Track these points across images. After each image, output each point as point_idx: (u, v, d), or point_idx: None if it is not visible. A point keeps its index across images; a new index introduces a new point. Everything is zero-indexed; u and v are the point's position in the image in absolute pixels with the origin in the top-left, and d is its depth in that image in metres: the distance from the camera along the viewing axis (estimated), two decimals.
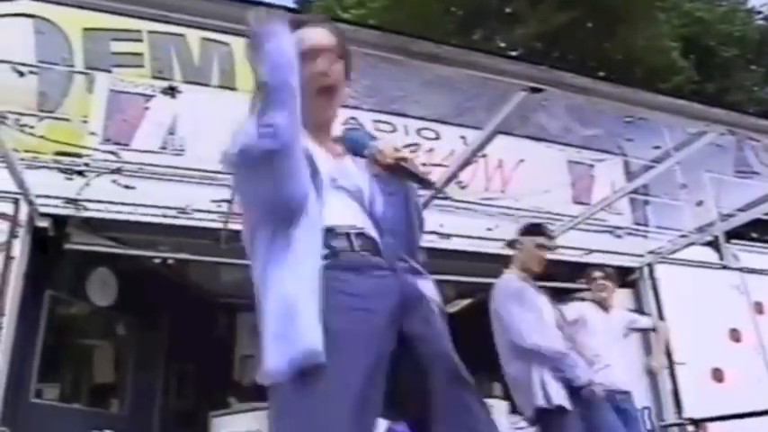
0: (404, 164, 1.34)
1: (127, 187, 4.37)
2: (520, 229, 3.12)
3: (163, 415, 5.99)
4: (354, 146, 1.41)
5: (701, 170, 6.22)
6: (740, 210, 5.97)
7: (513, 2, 11.54)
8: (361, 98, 5.29)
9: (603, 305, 3.80)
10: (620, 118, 5.52)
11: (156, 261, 4.85)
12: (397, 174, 1.36)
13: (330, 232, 1.29)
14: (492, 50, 4.20)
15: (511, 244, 3.15)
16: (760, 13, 13.94)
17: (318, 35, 1.40)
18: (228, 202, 4.19)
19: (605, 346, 3.44)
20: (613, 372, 3.32)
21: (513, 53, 9.83)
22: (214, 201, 4.40)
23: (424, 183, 1.41)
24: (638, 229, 6.43)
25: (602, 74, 7.54)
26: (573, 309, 3.61)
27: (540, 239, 3.00)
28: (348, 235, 1.31)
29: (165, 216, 4.39)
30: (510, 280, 3.07)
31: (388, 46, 2.79)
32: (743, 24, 13.10)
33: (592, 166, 6.42)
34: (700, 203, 6.20)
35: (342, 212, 1.33)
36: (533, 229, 3.06)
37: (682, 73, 11.28)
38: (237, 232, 4.62)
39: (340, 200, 1.35)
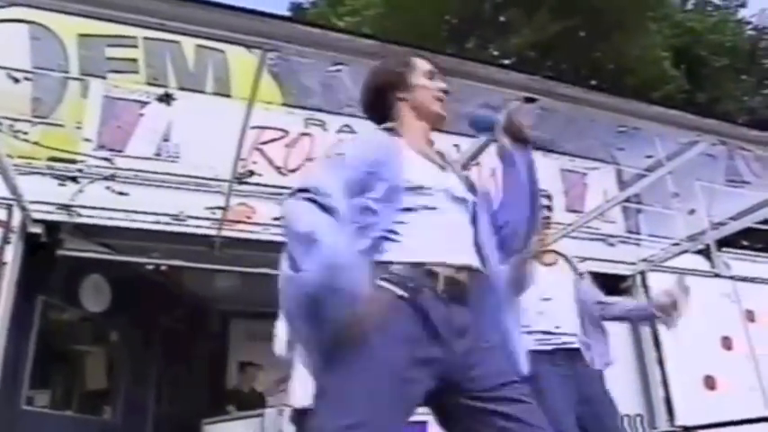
0: (527, 132, 1.51)
1: (120, 194, 4.37)
2: None
3: (155, 422, 5.96)
4: (482, 123, 1.58)
5: (692, 179, 6.26)
6: (731, 218, 6.03)
7: (507, 11, 11.62)
8: (356, 104, 5.30)
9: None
10: (612, 127, 5.55)
11: (150, 268, 4.84)
12: (521, 142, 1.51)
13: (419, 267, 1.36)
14: (486, 60, 4.20)
15: None
16: (749, 23, 14.11)
17: (429, 63, 1.66)
18: (222, 209, 4.20)
19: None
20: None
21: (507, 62, 9.90)
22: (208, 207, 4.41)
23: (538, 144, 1.60)
24: (630, 238, 6.47)
25: (594, 83, 7.61)
26: None
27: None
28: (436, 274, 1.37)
29: (158, 222, 4.39)
30: None
31: (385, 55, 2.81)
32: (733, 35, 13.24)
33: (585, 174, 6.46)
34: (691, 212, 6.24)
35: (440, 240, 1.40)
36: None
37: (673, 82, 11.38)
38: (231, 239, 4.62)
39: (444, 221, 1.43)
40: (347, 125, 5.37)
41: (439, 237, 1.40)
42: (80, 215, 4.27)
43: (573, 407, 2.58)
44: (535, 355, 2.62)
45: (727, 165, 6.90)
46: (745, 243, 9.08)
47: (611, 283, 5.82)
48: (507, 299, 1.49)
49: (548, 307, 2.74)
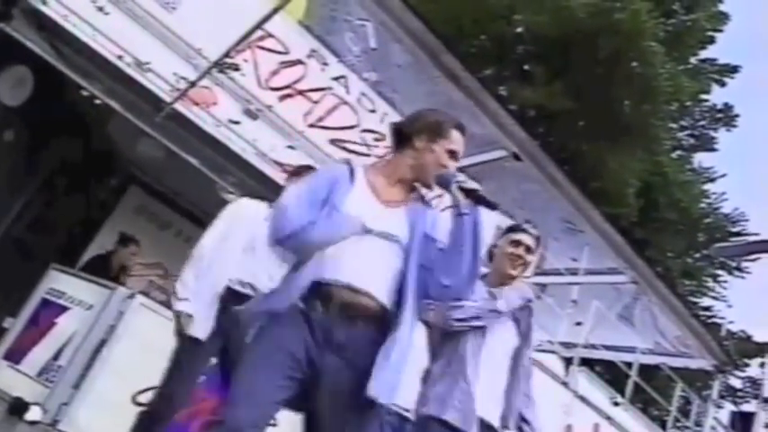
0: (480, 193, 1.71)
1: (100, 10, 4.03)
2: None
3: (5, 237, 5.58)
4: (444, 179, 1.78)
5: (593, 298, 6.68)
6: (604, 347, 6.48)
7: (534, 63, 11.80)
8: (359, 64, 5.17)
9: None
10: (564, 218, 5.77)
11: (84, 93, 4.49)
12: (472, 199, 1.72)
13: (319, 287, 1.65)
14: (502, 98, 4.20)
15: (489, 256, 2.58)
16: (708, 198, 15.20)
17: (462, 145, 1.83)
18: (190, 83, 3.99)
19: None
20: None
21: (510, 106, 10.05)
22: (176, 74, 4.17)
23: (491, 205, 1.75)
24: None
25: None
26: None
27: (517, 236, 2.49)
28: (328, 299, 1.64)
29: (119, 58, 4.10)
30: None
31: (422, 42, 2.78)
32: (692, 200, 14.21)
33: None
34: (578, 324, 6.65)
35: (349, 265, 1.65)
36: (511, 227, 2.60)
37: (626, 209, 12.01)
38: (180, 115, 4.39)
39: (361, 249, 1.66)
40: (343, 77, 5.24)
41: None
42: (45, 4, 3.90)
43: None
44: None
45: (627, 302, 7.42)
46: (597, 368, 9.82)
47: None
48: (405, 343, 1.65)
49: None
